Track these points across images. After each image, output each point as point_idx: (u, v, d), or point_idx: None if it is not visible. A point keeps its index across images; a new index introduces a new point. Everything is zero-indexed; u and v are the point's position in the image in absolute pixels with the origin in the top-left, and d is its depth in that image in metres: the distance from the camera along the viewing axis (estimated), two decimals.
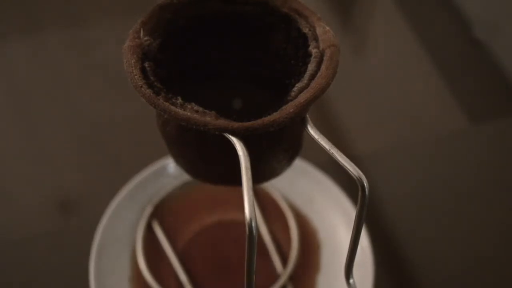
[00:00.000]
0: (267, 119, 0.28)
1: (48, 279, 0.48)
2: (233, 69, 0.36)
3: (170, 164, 0.49)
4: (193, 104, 0.29)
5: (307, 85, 0.29)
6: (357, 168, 0.27)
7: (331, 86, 0.29)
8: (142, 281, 0.45)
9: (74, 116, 0.58)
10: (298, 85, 0.30)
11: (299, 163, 0.48)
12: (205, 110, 0.28)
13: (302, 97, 0.29)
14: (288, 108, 0.28)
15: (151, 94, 0.29)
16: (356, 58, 0.65)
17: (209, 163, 0.33)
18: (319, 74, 0.29)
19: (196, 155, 0.33)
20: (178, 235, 0.48)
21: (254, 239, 0.26)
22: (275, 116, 0.28)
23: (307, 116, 0.30)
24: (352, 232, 0.29)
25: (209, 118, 0.28)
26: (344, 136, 0.57)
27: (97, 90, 0.60)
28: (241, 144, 0.28)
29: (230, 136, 0.28)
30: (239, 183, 0.26)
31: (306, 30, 0.32)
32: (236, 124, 0.28)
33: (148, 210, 0.48)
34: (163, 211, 0.49)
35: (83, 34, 0.65)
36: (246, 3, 0.33)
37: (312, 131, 0.29)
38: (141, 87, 0.29)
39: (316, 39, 0.31)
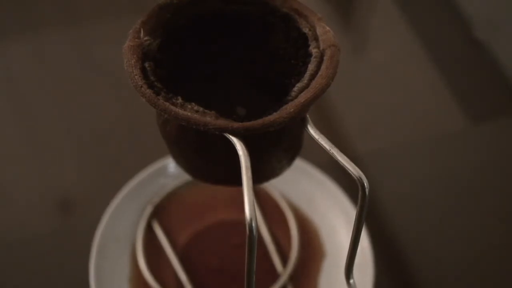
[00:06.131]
0: (267, 119, 0.28)
1: (48, 279, 0.48)
2: (233, 69, 0.36)
3: (170, 164, 0.49)
4: (193, 104, 0.29)
5: (307, 85, 0.29)
6: (357, 168, 0.27)
7: (331, 86, 0.29)
8: (142, 281, 0.45)
9: (74, 116, 0.58)
10: (298, 85, 0.30)
11: (299, 163, 0.48)
12: (205, 110, 0.28)
13: (302, 97, 0.29)
14: (288, 108, 0.28)
15: (151, 94, 0.29)
16: (356, 58, 0.65)
17: (209, 163, 0.33)
18: (319, 74, 0.29)
19: (196, 155, 0.33)
20: (178, 235, 0.48)
21: (254, 239, 0.26)
22: (275, 116, 0.28)
23: (307, 116, 0.30)
24: (352, 232, 0.29)
25: (209, 118, 0.28)
26: (344, 136, 0.57)
27: (97, 90, 0.60)
28: (241, 144, 0.28)
29: (230, 136, 0.28)
30: (239, 183, 0.26)
31: (306, 30, 0.32)
32: (236, 124, 0.28)
33: (148, 210, 0.48)
34: (163, 211, 0.49)
35: (83, 34, 0.65)
36: (246, 3, 0.33)
37: (312, 131, 0.29)
38: (141, 87, 0.29)
39: (316, 39, 0.31)
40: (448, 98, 0.60)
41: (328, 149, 0.28)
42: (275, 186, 0.49)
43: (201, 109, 0.28)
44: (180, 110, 0.28)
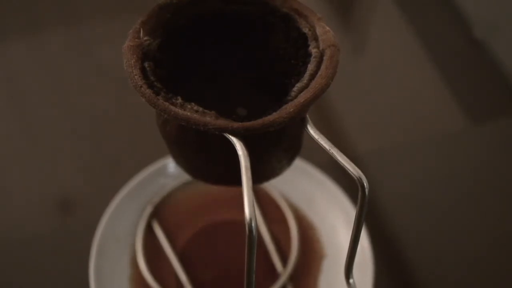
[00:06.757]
0: (267, 119, 0.28)
1: (48, 279, 0.48)
2: (233, 69, 0.36)
3: (170, 164, 0.49)
4: (193, 104, 0.29)
5: (307, 85, 0.29)
6: (357, 168, 0.27)
7: (331, 86, 0.29)
8: (142, 281, 0.45)
9: (74, 116, 0.58)
10: (298, 85, 0.30)
11: (299, 163, 0.48)
12: (205, 110, 0.28)
13: (302, 97, 0.29)
14: (288, 108, 0.28)
15: (151, 94, 0.29)
16: (356, 58, 0.65)
17: (209, 163, 0.33)
18: (319, 74, 0.29)
19: (196, 155, 0.33)
20: (178, 235, 0.48)
21: (254, 239, 0.26)
22: (275, 116, 0.28)
23: (307, 116, 0.30)
24: (352, 232, 0.29)
25: (209, 118, 0.28)
26: (344, 136, 0.57)
27: (97, 90, 0.60)
28: (241, 144, 0.28)
29: (230, 136, 0.28)
30: (239, 183, 0.26)
31: (306, 30, 0.32)
32: (236, 124, 0.28)
33: (148, 210, 0.48)
34: (163, 211, 0.49)
35: (83, 34, 0.65)
36: (246, 3, 0.33)
37: (312, 131, 0.29)
38: (141, 87, 0.29)
39: (316, 39, 0.31)
40: (448, 98, 0.60)
41: (328, 149, 0.28)
42: (275, 186, 0.49)
43: (201, 109, 0.28)
44: (180, 110, 0.28)
